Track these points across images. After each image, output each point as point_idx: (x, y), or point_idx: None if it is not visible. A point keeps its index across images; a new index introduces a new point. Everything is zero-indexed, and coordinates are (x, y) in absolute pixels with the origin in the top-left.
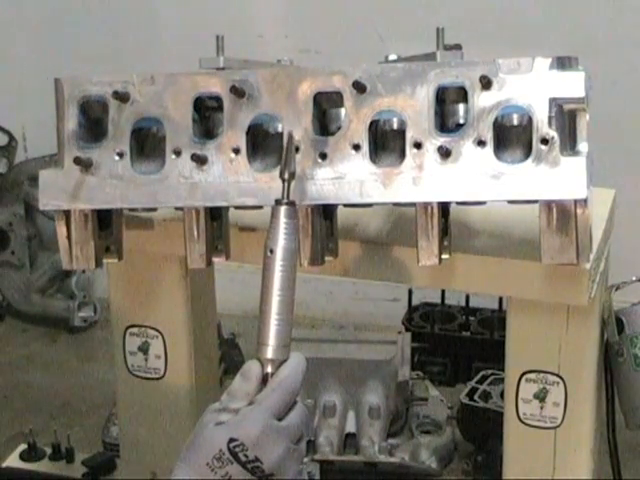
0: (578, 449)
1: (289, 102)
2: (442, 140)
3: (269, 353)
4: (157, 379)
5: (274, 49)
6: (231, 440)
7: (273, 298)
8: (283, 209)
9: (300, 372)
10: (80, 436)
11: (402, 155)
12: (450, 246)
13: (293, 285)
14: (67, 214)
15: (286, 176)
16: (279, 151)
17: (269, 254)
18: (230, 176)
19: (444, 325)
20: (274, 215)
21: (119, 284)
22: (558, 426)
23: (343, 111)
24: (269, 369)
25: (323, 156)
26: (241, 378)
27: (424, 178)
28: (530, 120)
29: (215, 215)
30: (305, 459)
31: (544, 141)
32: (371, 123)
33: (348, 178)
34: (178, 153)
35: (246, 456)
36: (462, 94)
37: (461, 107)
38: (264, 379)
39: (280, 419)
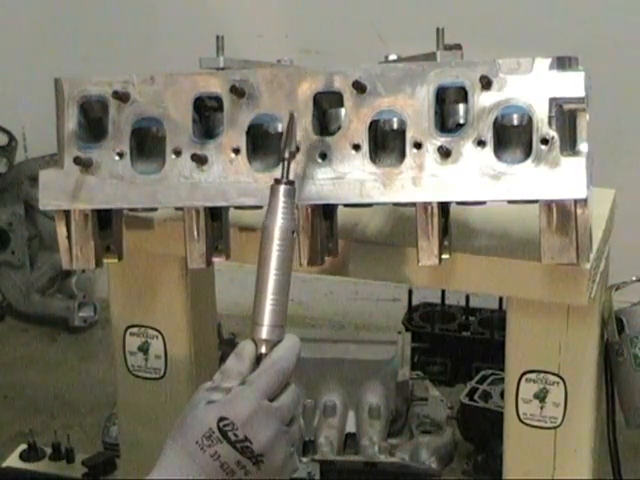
0: (578, 449)
1: (289, 102)
2: (442, 140)
3: (263, 333)
4: (157, 379)
5: (274, 49)
6: (221, 419)
7: (269, 278)
8: (282, 188)
9: (294, 354)
10: (80, 436)
11: (402, 155)
12: (450, 246)
13: (290, 265)
14: (67, 214)
15: (286, 155)
16: (279, 151)
17: (266, 233)
18: (230, 176)
19: (444, 325)
20: (273, 194)
21: (119, 284)
22: (558, 426)
23: (343, 111)
24: (263, 349)
25: (323, 156)
26: (234, 357)
27: (424, 178)
28: (530, 120)
29: (215, 215)
30: (305, 459)
31: (544, 141)
32: (371, 123)
33: (348, 178)
34: (178, 153)
35: (236, 435)
36: (462, 94)
37: (461, 107)
38: (258, 359)
39: (272, 400)
